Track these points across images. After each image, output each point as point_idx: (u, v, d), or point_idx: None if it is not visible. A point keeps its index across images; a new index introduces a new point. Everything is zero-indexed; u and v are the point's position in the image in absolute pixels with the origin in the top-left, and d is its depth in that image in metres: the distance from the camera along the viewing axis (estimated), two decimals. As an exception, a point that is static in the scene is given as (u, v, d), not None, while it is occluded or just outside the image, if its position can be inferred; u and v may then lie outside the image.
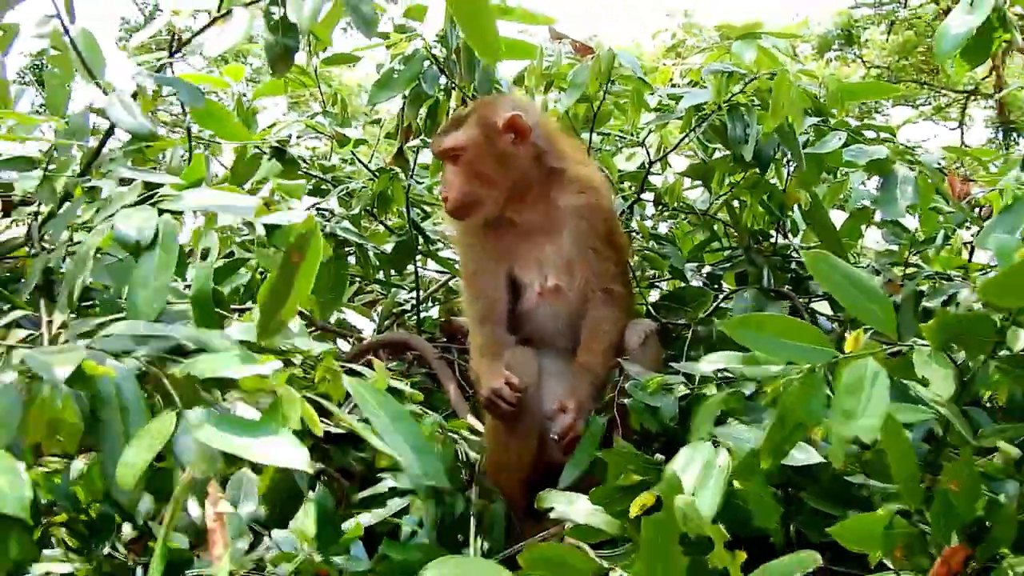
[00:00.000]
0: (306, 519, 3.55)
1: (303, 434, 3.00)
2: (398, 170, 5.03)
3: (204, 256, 3.22)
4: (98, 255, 3.44)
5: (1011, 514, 2.84)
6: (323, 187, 5.30)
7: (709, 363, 3.30)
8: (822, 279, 2.87)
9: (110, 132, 3.85)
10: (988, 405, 3.62)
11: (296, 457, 2.61)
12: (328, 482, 4.04)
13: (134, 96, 3.74)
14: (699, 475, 2.97)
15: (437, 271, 5.68)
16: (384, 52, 4.88)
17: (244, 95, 5.38)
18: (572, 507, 3.20)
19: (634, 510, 2.95)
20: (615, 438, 3.74)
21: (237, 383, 2.82)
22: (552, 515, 3.24)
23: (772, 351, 2.83)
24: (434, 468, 3.02)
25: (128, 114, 3.66)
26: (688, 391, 3.73)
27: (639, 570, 2.72)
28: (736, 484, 3.03)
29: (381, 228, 5.48)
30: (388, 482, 3.67)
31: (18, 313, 3.31)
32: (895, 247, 4.82)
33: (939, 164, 4.79)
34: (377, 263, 5.23)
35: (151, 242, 3.04)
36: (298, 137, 5.45)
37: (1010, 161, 4.25)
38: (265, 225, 3.01)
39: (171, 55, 3.83)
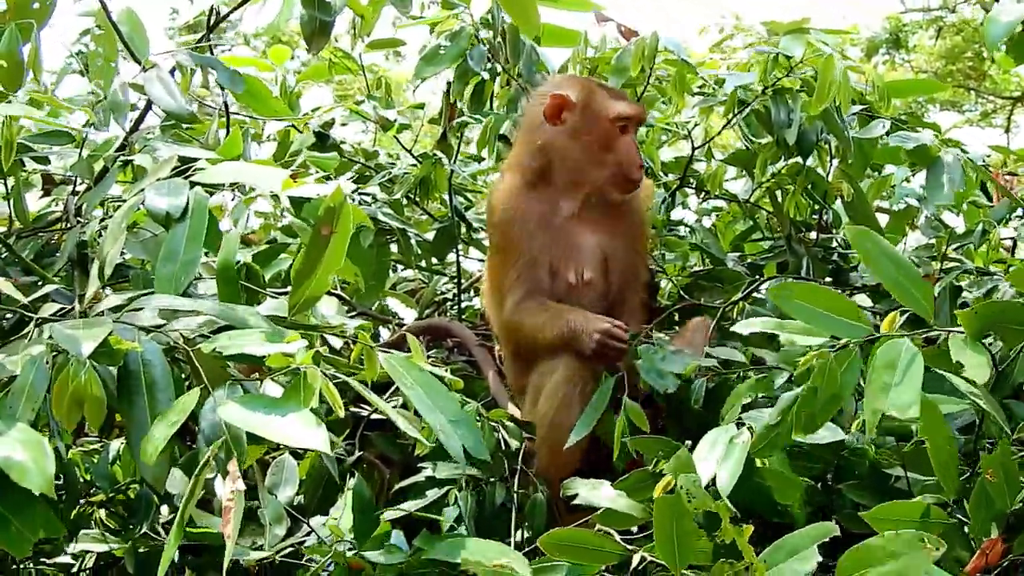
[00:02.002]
0: (343, 509, 3.53)
1: (340, 420, 3.00)
2: (441, 155, 4.97)
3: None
4: (134, 230, 3.43)
5: None
6: (366, 173, 5.26)
7: (748, 326, 3.23)
8: (864, 255, 2.83)
9: (147, 109, 3.82)
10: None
11: (315, 438, 2.58)
12: (368, 470, 4.00)
13: (172, 74, 3.72)
14: (721, 454, 2.94)
15: (479, 258, 5.62)
16: (428, 36, 4.84)
17: (287, 77, 5.35)
18: (595, 493, 3.16)
19: (657, 493, 2.91)
20: (624, 399, 3.67)
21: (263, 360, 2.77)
22: (575, 501, 3.19)
23: (812, 320, 2.80)
24: (475, 441, 2.98)
25: (166, 92, 3.65)
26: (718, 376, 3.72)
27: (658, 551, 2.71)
28: (757, 463, 3.02)
29: (423, 216, 5.44)
30: (427, 471, 3.60)
31: (51, 287, 3.30)
32: (933, 241, 4.74)
33: (984, 160, 4.70)
34: (419, 250, 5.18)
35: (181, 214, 3.01)
36: (343, 125, 5.42)
37: None
38: (293, 198, 2.97)
39: (208, 32, 3.80)
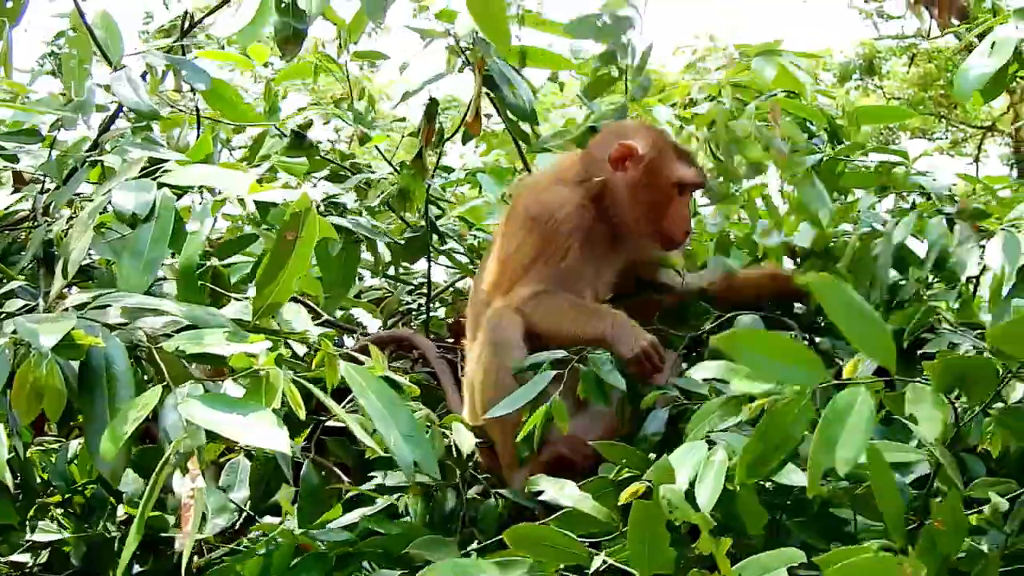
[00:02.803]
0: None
1: (298, 425, 3.02)
2: (418, 170, 4.99)
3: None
4: (101, 230, 3.45)
5: (995, 562, 2.84)
6: (341, 173, 5.28)
7: (701, 371, 3.25)
8: (826, 305, 2.82)
9: (119, 110, 3.84)
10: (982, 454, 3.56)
11: (276, 439, 2.60)
12: (326, 476, 4.02)
13: (144, 76, 3.75)
14: (697, 470, 2.92)
15: (446, 266, 5.64)
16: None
17: (269, 79, 5.36)
18: (562, 492, 3.16)
19: (624, 498, 2.92)
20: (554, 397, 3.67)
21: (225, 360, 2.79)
22: (541, 498, 3.20)
23: (763, 369, 2.71)
24: (425, 456, 3.00)
25: (133, 92, 3.66)
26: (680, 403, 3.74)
27: (627, 555, 2.72)
28: (729, 487, 2.96)
29: (396, 222, 5.44)
30: (378, 479, 3.62)
31: (16, 284, 3.31)
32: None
33: (949, 191, 4.74)
34: (387, 259, 5.21)
35: (148, 215, 3.03)
36: (325, 123, 5.44)
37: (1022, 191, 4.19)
38: (259, 203, 2.99)
39: (183, 35, 3.83)
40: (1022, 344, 2.66)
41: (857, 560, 2.64)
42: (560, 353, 3.71)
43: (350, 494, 3.71)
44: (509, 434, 3.78)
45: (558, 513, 3.08)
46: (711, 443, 3.04)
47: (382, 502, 3.56)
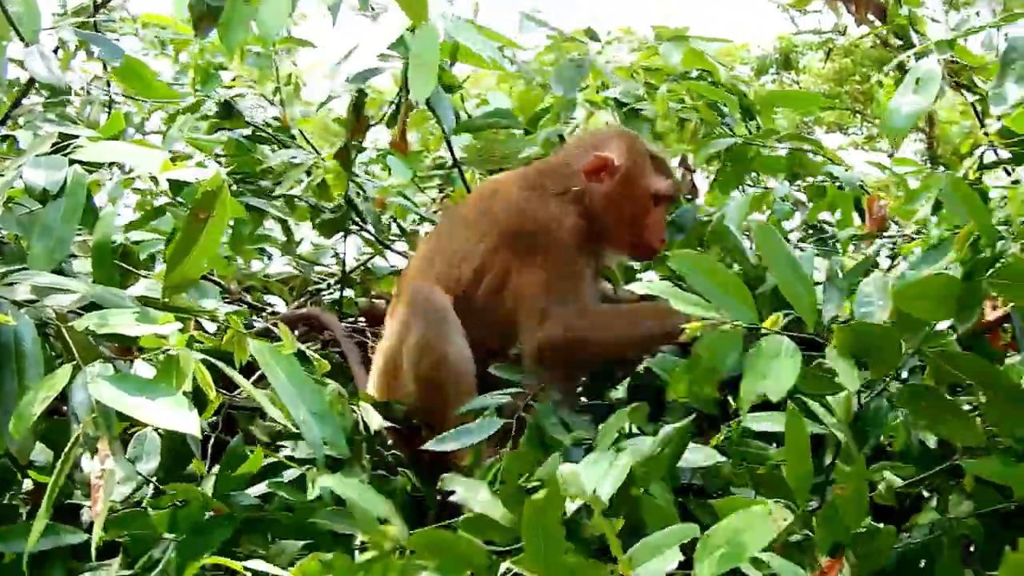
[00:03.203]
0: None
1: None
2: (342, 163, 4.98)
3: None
4: (10, 205, 3.42)
5: (890, 535, 2.91)
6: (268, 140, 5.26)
7: (642, 287, 3.27)
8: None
9: (30, 85, 3.82)
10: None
11: (186, 421, 2.62)
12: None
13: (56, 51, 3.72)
14: (600, 474, 2.97)
15: (362, 247, 5.64)
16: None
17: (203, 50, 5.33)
18: (472, 494, 3.13)
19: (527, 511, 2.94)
20: None
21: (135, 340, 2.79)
22: (452, 499, 3.16)
23: (709, 295, 2.88)
24: (334, 434, 3.02)
25: (45, 67, 3.64)
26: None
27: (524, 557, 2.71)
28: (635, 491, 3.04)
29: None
30: (286, 451, 3.62)
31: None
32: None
33: (860, 181, 4.83)
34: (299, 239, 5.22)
35: (59, 191, 3.02)
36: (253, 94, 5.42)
37: (929, 178, 4.27)
38: (172, 181, 2.99)
39: (96, 11, 3.80)
40: (930, 305, 2.87)
41: (729, 503, 2.79)
42: (504, 398, 3.68)
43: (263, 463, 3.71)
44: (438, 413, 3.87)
45: (463, 517, 3.06)
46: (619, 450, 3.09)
47: (291, 473, 3.56)
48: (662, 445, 3.01)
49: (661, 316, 3.72)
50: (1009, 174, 4.10)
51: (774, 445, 3.22)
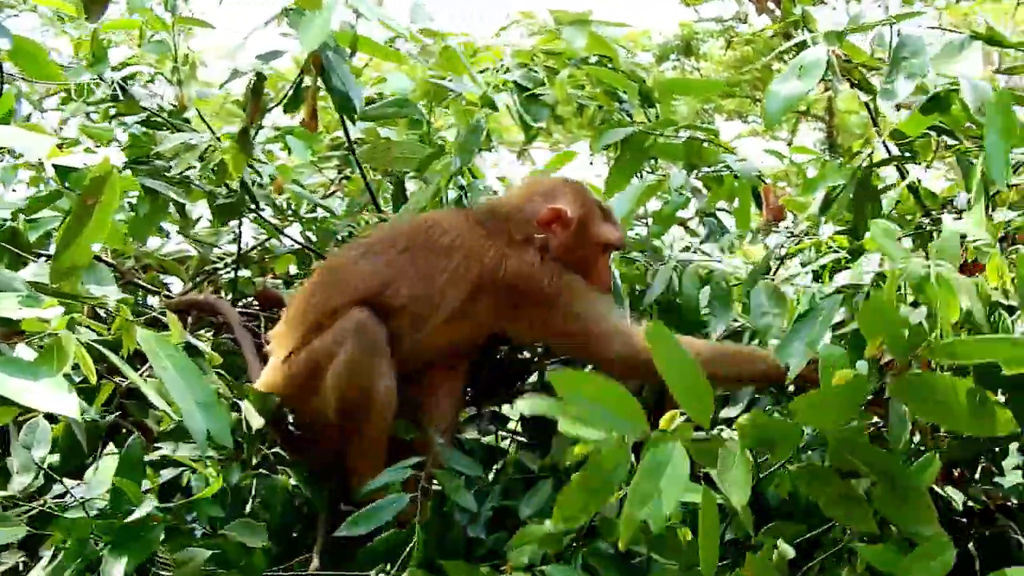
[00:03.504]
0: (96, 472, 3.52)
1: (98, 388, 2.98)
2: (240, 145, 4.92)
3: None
4: None
5: None
6: (158, 121, 5.18)
7: (529, 407, 3.18)
8: (657, 353, 2.78)
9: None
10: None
11: (65, 404, 2.60)
12: (124, 437, 3.98)
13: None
14: None
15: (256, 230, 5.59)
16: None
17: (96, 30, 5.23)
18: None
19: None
20: None
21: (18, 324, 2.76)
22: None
23: (590, 413, 2.77)
24: (219, 425, 3.01)
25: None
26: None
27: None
28: None
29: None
30: (165, 450, 3.60)
31: None
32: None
33: (757, 172, 4.86)
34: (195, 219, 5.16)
35: (-59, 173, 2.97)
36: (146, 81, 5.33)
37: (826, 167, 4.32)
38: (59, 167, 2.95)
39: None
40: (826, 416, 2.89)
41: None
42: (406, 471, 3.71)
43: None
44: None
45: None
46: None
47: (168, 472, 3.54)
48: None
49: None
50: (901, 173, 4.19)
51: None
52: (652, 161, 5.07)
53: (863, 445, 3.00)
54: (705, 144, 4.71)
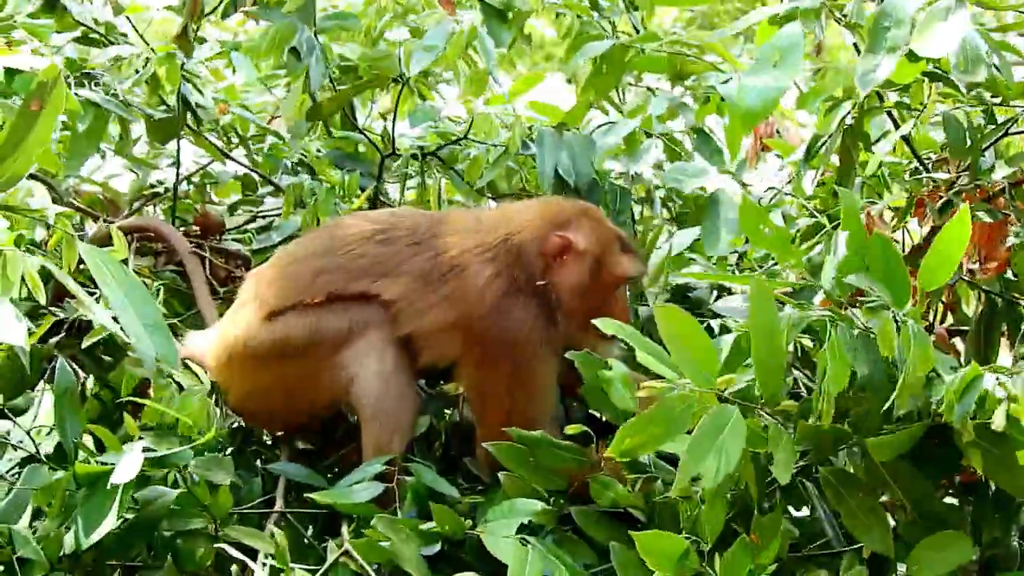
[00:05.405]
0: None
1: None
2: (178, 51, 4.73)
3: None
4: None
5: None
6: (94, 37, 4.97)
7: (611, 326, 3.15)
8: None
9: None
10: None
11: (13, 332, 2.49)
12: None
13: None
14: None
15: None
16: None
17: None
18: None
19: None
20: None
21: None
22: None
23: (676, 352, 2.82)
24: (168, 349, 2.88)
25: None
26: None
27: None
28: None
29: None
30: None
31: None
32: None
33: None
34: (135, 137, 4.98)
35: None
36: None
37: (821, 83, 4.21)
38: (6, 69, 2.80)
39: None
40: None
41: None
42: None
43: None
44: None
45: None
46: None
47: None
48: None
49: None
50: (895, 123, 4.08)
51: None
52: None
53: (903, 466, 3.00)
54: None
